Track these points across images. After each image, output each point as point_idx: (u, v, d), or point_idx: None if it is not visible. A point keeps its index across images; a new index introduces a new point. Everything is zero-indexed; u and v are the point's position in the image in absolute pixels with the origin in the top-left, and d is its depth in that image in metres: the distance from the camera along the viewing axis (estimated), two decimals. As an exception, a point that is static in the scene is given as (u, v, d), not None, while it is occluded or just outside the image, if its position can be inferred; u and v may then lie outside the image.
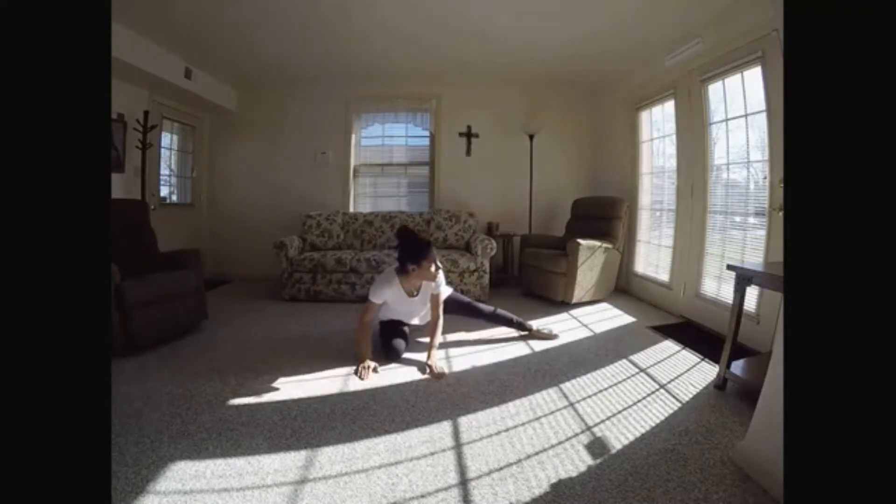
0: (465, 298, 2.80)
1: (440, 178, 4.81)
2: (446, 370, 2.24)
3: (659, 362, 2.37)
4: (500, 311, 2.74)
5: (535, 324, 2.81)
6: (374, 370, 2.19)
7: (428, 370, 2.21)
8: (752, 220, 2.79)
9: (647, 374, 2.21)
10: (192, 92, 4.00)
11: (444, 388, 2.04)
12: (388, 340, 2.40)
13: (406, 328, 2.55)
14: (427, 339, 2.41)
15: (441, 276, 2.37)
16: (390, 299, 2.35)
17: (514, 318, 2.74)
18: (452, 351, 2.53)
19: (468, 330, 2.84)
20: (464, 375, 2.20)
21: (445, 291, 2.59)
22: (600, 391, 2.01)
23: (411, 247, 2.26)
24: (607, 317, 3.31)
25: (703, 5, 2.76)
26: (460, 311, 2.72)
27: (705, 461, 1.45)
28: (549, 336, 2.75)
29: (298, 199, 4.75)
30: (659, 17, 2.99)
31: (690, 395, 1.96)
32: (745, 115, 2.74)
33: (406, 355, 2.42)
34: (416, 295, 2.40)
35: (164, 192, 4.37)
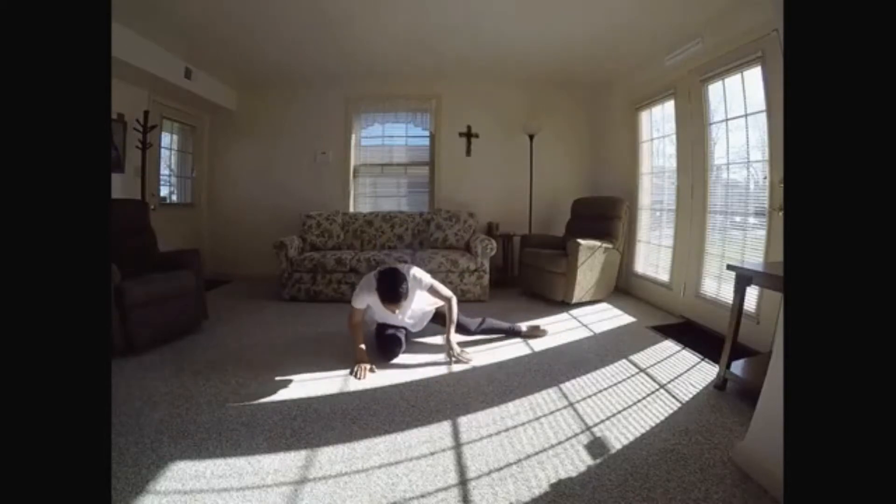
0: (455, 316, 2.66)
1: (440, 178, 4.81)
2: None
3: (659, 362, 2.37)
4: (490, 322, 2.70)
5: (530, 324, 2.84)
6: (371, 370, 2.20)
7: (451, 354, 2.30)
8: (752, 220, 2.79)
9: (647, 375, 2.21)
10: (192, 92, 4.00)
11: (444, 388, 2.04)
12: (383, 340, 2.40)
13: (402, 331, 2.52)
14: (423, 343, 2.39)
15: (425, 275, 2.36)
16: (373, 304, 2.32)
17: (504, 325, 2.74)
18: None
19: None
20: (464, 375, 2.20)
21: (437, 284, 2.45)
22: (600, 391, 2.01)
23: (383, 288, 2.20)
24: (607, 317, 3.31)
25: (703, 5, 2.75)
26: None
27: (705, 461, 1.45)
28: (539, 333, 2.77)
29: (298, 199, 4.75)
30: (659, 18, 2.99)
31: (690, 395, 1.96)
32: (745, 115, 2.74)
33: (411, 355, 2.42)
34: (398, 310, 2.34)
35: (164, 192, 4.37)
